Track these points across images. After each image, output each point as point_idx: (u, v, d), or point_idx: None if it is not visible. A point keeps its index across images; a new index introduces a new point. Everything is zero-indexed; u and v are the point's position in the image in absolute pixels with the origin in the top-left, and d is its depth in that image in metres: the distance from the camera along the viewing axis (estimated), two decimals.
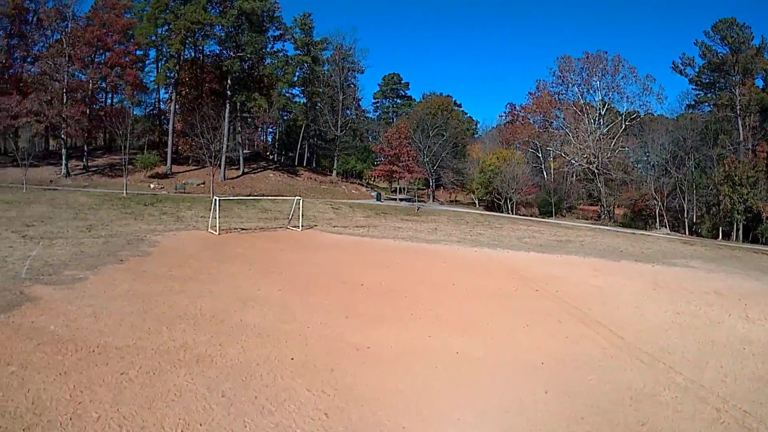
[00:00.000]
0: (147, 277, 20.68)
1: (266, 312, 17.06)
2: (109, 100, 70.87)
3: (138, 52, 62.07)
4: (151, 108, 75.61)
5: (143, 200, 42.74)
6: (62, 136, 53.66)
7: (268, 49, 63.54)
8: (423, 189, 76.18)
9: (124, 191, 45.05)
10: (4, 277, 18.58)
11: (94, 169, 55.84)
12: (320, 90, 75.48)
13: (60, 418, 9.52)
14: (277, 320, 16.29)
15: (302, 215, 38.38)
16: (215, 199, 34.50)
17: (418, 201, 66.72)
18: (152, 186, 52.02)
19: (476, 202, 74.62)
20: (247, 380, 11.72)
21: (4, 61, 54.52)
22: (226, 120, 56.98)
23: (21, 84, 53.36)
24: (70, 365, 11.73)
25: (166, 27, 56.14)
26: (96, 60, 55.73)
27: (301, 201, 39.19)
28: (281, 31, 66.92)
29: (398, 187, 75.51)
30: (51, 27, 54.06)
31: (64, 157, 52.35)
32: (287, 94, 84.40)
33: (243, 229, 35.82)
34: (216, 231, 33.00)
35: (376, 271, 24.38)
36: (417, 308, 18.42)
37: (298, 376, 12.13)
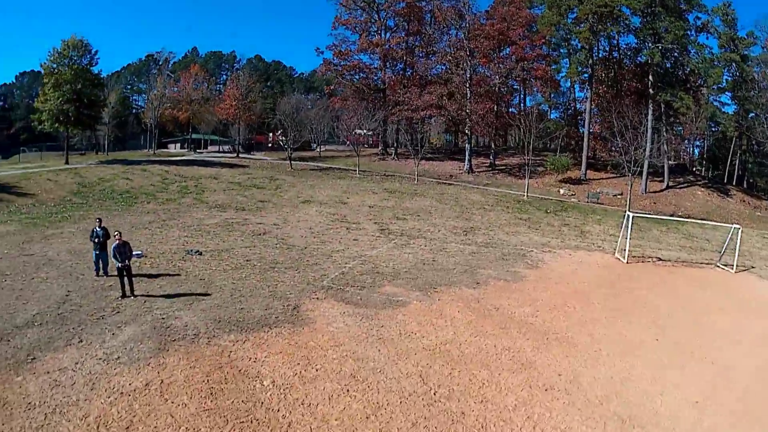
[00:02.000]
0: (492, 320, 12.89)
1: None
2: (518, 100, 69.56)
3: (545, 50, 56.94)
4: (564, 107, 69.80)
5: (545, 206, 36.42)
6: (466, 131, 54.32)
7: (691, 38, 49.04)
8: None
9: (525, 194, 39.85)
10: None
11: (501, 167, 54.09)
12: (753, 95, 54.80)
13: None
14: None
15: (737, 250, 23.21)
16: (628, 215, 23.96)
17: None
18: (561, 191, 45.42)
19: None
20: None
21: (406, 59, 58.61)
22: (649, 122, 45.04)
23: (422, 79, 56.48)
24: None
25: (572, 16, 50.65)
26: (500, 55, 54.02)
27: (739, 231, 23.79)
28: (703, 19, 50.80)
29: None
30: (448, 24, 55.19)
31: (467, 153, 53.02)
32: (715, 103, 66.92)
33: (659, 259, 23.84)
34: (624, 257, 22.48)
35: None
36: None
37: None
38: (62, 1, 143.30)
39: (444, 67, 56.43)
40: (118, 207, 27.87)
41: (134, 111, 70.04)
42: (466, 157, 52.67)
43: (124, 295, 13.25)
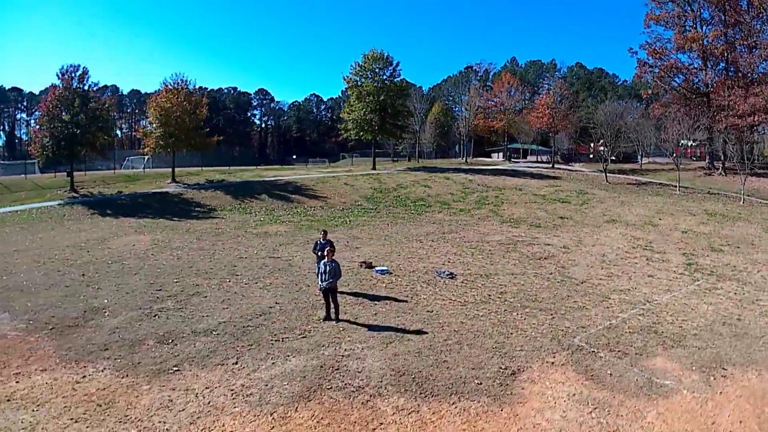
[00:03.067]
0: None
1: None
2: None
3: None
4: None
5: None
6: None
7: None
8: None
9: None
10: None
11: None
12: None
13: None
14: None
15: None
16: None
17: None
18: None
19: None
20: None
21: (727, 55, 47.09)
22: None
23: (745, 78, 45.38)
24: None
25: None
26: None
27: None
28: None
29: None
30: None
31: None
32: None
33: None
34: None
35: None
36: None
37: None
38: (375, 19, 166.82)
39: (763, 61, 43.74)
40: (405, 215, 27.46)
41: (456, 121, 74.85)
42: None
43: (327, 317, 10.99)
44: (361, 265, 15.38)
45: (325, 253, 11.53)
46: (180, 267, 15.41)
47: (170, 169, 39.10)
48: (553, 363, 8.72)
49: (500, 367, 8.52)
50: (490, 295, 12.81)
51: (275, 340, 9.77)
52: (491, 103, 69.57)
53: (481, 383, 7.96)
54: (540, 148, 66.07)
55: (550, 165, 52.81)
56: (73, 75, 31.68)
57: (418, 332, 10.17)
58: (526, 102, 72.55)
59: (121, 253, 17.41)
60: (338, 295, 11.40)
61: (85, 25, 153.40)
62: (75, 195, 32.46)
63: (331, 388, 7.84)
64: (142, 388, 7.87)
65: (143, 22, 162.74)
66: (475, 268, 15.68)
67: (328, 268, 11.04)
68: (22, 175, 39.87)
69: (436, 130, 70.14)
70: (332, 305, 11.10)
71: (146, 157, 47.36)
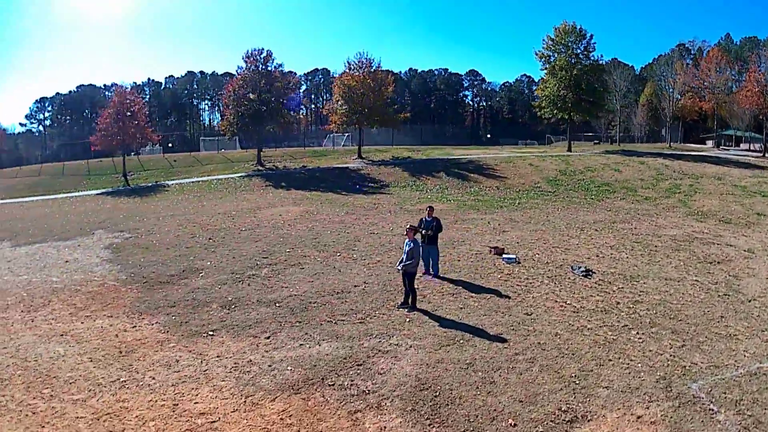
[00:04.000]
0: None
1: None
2: None
3: None
4: None
5: None
6: None
7: None
8: None
9: None
10: None
11: None
12: None
13: None
14: None
15: None
16: None
17: None
18: None
19: None
20: None
21: None
22: None
23: None
24: None
25: None
26: None
27: None
28: None
29: None
30: None
31: None
32: None
33: None
34: None
35: None
36: None
37: None
38: None
39: None
40: (583, 200, 24.06)
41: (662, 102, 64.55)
42: None
43: (403, 304, 9.66)
44: (490, 251, 13.34)
45: (405, 231, 10.29)
46: (304, 238, 15.55)
47: (362, 147, 40.81)
48: (639, 417, 5.82)
49: (560, 408, 6.05)
50: (617, 303, 9.72)
51: (327, 321, 8.95)
52: (699, 80, 56.67)
53: (516, 425, 5.70)
54: (754, 135, 52.23)
55: (761, 153, 40.75)
56: (258, 57, 35.76)
57: (494, 338, 8.12)
58: (737, 82, 57.49)
59: (261, 221, 18.64)
60: (435, 280, 10.23)
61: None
62: (260, 168, 36.15)
63: (333, 385, 6.67)
64: (168, 346, 8.01)
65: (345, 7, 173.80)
66: (624, 266, 12.30)
67: (406, 248, 9.67)
68: (214, 151, 46.48)
69: (648, 113, 60.43)
70: (408, 291, 9.73)
71: (346, 135, 50.77)
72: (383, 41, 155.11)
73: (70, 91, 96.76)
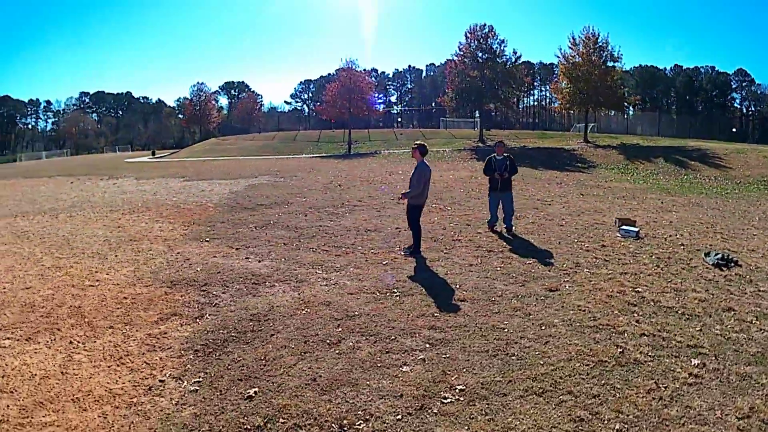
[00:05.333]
0: None
1: None
2: None
3: None
4: None
5: None
6: None
7: None
8: None
9: None
10: None
11: None
12: None
13: None
14: None
15: None
16: None
17: None
18: None
19: None
20: None
21: None
22: None
23: None
24: None
25: None
26: None
27: None
28: None
29: None
30: None
31: None
32: None
33: None
34: None
35: None
36: None
37: None
38: None
39: None
40: None
41: None
42: None
43: (410, 247, 8.14)
44: (616, 222, 10.11)
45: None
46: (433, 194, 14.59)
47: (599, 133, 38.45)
48: None
49: None
50: (731, 309, 5.67)
51: (311, 249, 8.31)
52: None
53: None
54: None
55: None
56: (480, 33, 34.59)
57: (453, 308, 5.77)
58: None
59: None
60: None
61: None
62: (479, 145, 36.21)
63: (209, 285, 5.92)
64: (177, 242, 8.96)
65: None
66: None
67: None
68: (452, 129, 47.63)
69: None
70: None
71: (592, 124, 47.74)
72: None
73: (329, 74, 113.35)
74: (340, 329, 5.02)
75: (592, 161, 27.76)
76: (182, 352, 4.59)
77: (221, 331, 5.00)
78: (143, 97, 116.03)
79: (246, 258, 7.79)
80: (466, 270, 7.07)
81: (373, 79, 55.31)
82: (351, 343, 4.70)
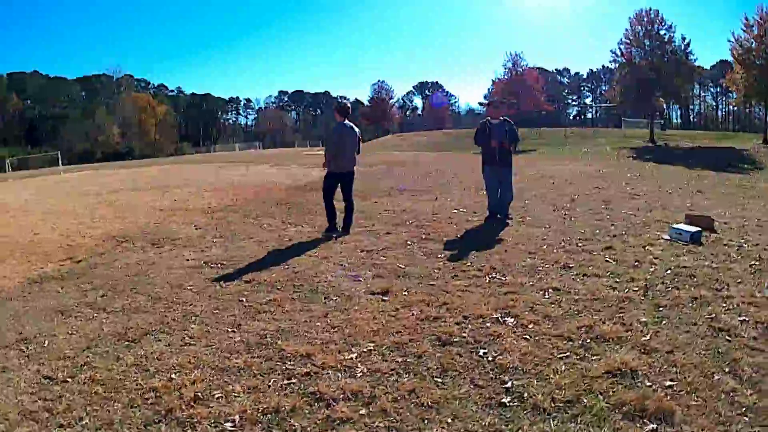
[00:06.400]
0: None
1: None
2: None
3: None
4: None
5: None
6: None
7: None
8: None
9: None
10: None
11: None
12: None
13: None
14: None
15: None
16: None
17: None
18: None
19: None
20: None
21: None
22: None
23: None
24: None
25: None
26: None
27: None
28: None
29: None
30: None
31: None
32: None
33: None
34: None
35: None
36: None
37: None
38: None
39: None
40: None
41: None
42: None
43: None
44: (686, 218, 8.13)
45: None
46: (526, 189, 13.16)
47: None
48: None
49: None
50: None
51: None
52: None
53: None
54: None
55: None
56: (646, 19, 30.04)
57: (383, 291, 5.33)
58: None
59: (538, 172, 17.91)
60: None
61: None
62: (648, 145, 32.67)
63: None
64: (228, 218, 10.21)
65: None
66: None
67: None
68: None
69: None
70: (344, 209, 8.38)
71: None
72: None
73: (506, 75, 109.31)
74: None
75: (762, 163, 25.02)
76: None
77: None
78: (341, 96, 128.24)
79: (278, 232, 8.70)
80: None
81: (538, 74, 52.03)
82: None
